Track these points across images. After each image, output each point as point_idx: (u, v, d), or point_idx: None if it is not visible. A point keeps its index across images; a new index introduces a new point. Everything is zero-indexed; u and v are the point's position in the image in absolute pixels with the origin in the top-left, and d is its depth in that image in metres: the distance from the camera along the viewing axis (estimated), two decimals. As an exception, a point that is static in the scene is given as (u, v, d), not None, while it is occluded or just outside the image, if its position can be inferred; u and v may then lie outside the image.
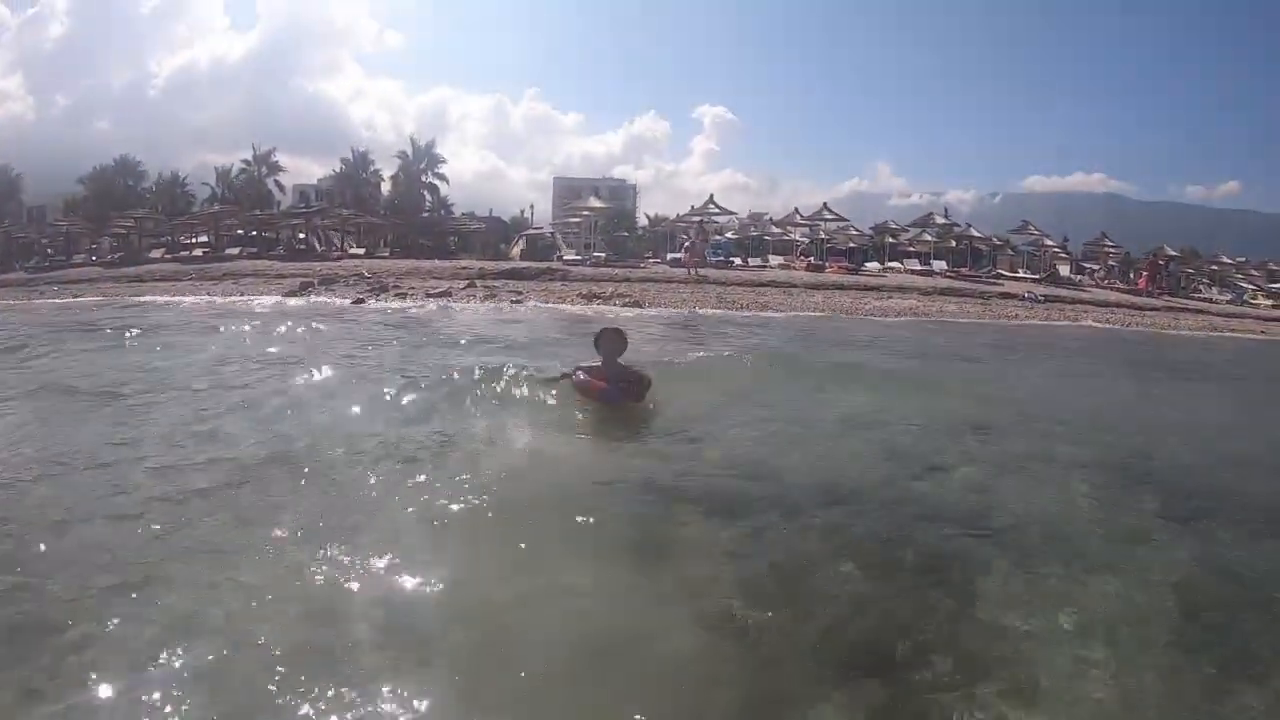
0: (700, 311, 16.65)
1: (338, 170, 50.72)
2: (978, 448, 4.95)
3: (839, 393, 6.71)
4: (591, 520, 3.39)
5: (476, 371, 6.03)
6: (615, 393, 5.05)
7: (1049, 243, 30.85)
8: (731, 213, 31.28)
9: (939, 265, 27.29)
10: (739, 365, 7.94)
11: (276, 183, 50.04)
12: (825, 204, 29.92)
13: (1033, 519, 3.65)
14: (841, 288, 22.24)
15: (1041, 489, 4.17)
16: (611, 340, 5.28)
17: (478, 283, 19.36)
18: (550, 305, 16.83)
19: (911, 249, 28.53)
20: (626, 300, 17.10)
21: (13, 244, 35.22)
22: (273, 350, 8.65)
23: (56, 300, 24.16)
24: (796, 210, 30.73)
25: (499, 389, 5.58)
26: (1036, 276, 27.14)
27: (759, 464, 4.35)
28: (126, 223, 31.75)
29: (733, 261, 26.08)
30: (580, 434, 4.95)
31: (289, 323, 11.70)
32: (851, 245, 28.23)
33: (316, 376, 6.53)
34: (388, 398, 5.63)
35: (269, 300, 19.58)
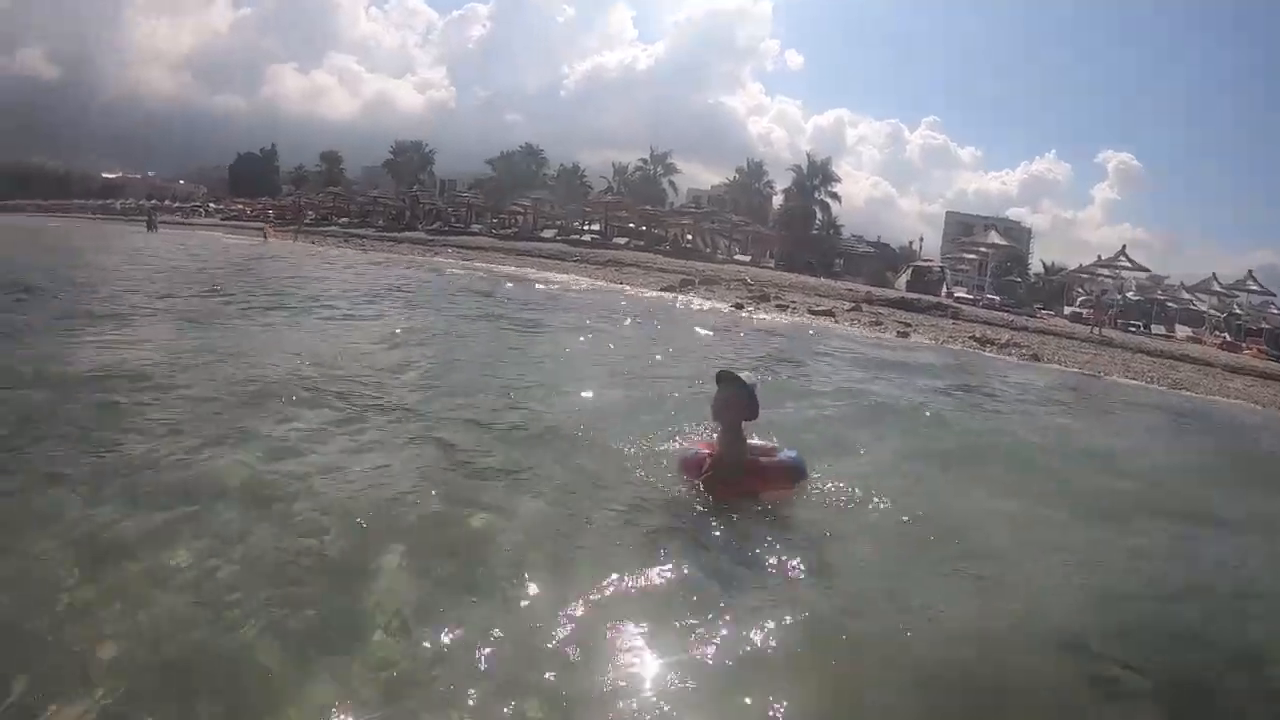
0: (1105, 378, 15.54)
1: (732, 179, 53.30)
2: None
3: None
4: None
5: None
6: (695, 464, 3.55)
7: None
8: (1144, 269, 27.75)
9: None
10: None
11: (670, 183, 53.78)
12: (1250, 272, 25.77)
13: None
14: (1259, 375, 19.40)
15: None
16: (723, 389, 3.48)
17: (864, 307, 19.93)
18: (938, 344, 16.77)
19: (1343, 334, 23.75)
20: (1023, 352, 16.52)
21: (419, 208, 43.77)
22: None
23: (449, 259, 29.37)
24: (1214, 276, 26.79)
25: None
26: None
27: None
28: (525, 203, 37.46)
29: (1137, 326, 23.80)
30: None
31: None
32: (1264, 324, 24.26)
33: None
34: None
35: (649, 294, 21.88)
